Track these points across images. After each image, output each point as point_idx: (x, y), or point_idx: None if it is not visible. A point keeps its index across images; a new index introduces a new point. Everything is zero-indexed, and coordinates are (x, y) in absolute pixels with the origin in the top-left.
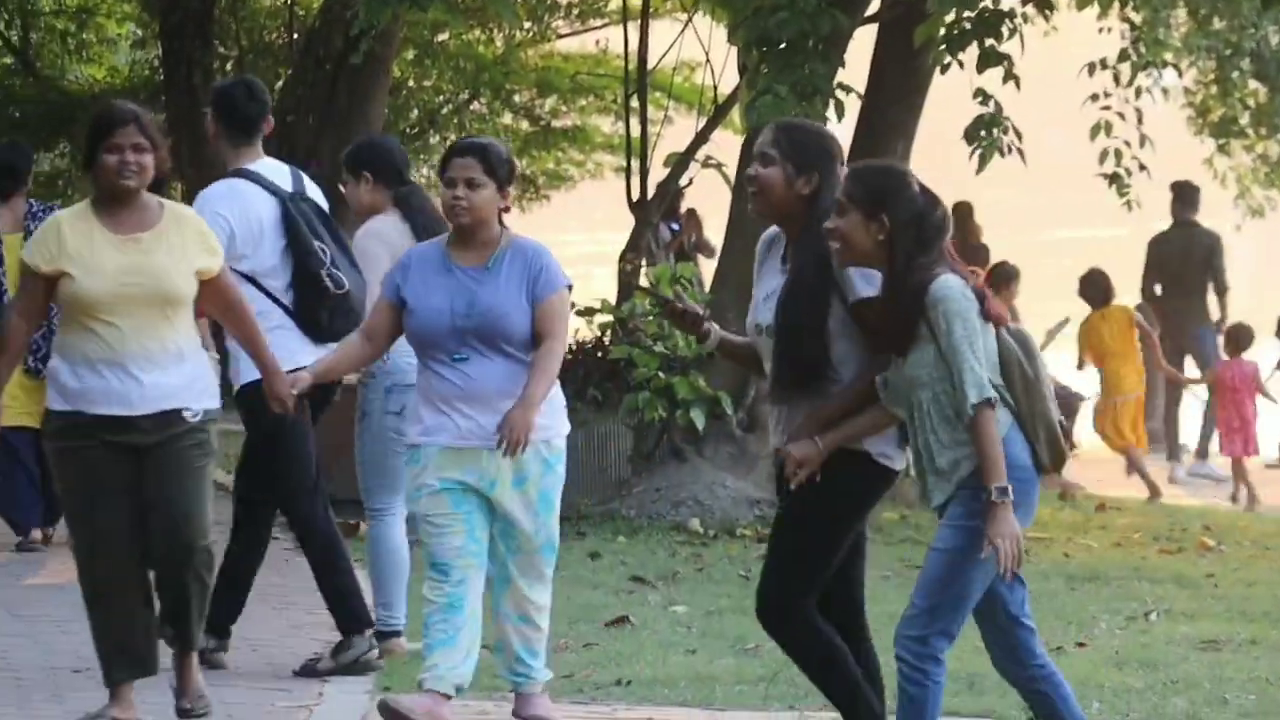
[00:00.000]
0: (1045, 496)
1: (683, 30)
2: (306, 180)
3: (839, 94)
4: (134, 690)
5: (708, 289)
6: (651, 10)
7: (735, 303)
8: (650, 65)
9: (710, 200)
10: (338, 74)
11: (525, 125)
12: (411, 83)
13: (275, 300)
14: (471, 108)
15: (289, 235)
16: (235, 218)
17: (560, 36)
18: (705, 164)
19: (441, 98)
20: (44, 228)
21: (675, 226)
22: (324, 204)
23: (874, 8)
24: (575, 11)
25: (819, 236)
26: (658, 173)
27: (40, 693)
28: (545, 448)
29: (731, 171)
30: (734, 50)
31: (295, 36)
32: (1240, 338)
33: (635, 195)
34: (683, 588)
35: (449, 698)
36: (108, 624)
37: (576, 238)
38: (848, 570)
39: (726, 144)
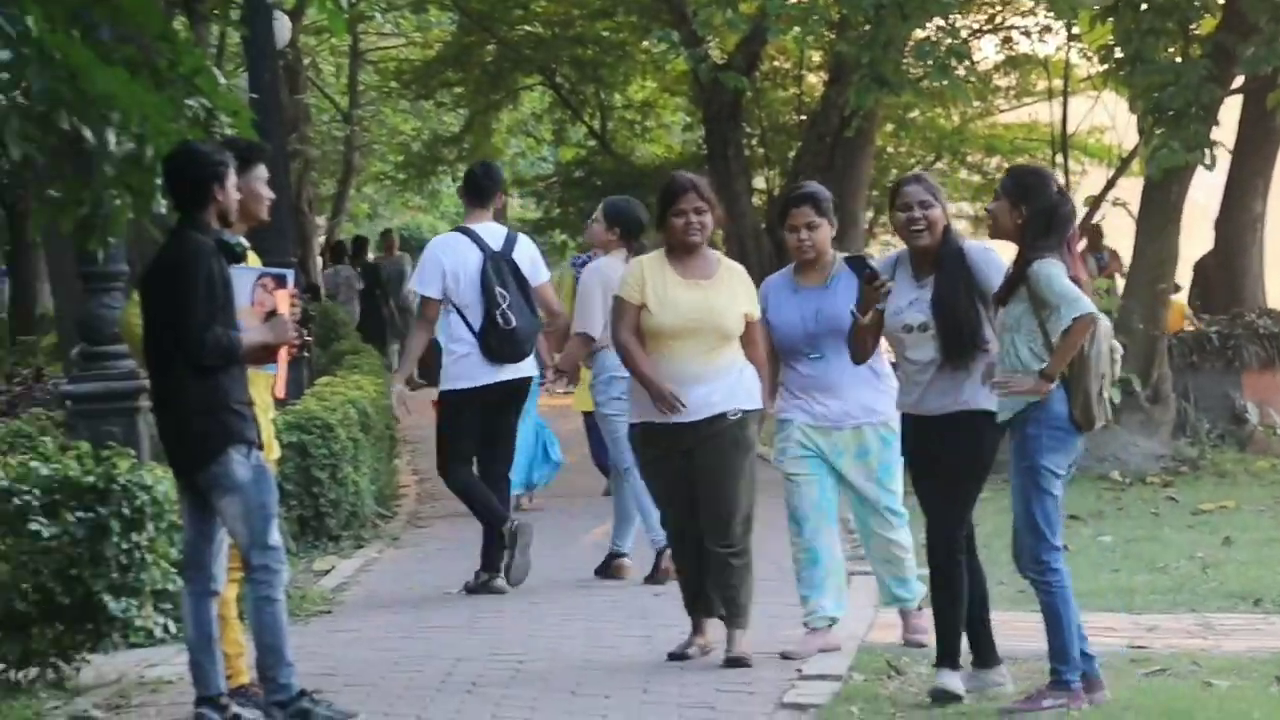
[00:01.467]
0: None
1: (1094, 103)
2: (518, 243)
3: (1214, 148)
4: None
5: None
6: (1070, 90)
7: (1139, 306)
8: (1070, 130)
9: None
10: (835, 145)
11: (976, 179)
12: (890, 149)
13: (470, 329)
14: (935, 167)
15: (482, 282)
16: (448, 261)
17: (1002, 111)
18: (1115, 203)
19: (913, 160)
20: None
21: (1101, 256)
22: (527, 261)
23: (1239, 82)
24: (1013, 92)
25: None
26: (1078, 212)
27: None
28: (884, 428)
29: (1134, 208)
30: (1134, 117)
31: (803, 118)
32: None
33: None
34: (1106, 522)
35: (829, 628)
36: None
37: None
38: None
39: (1131, 188)
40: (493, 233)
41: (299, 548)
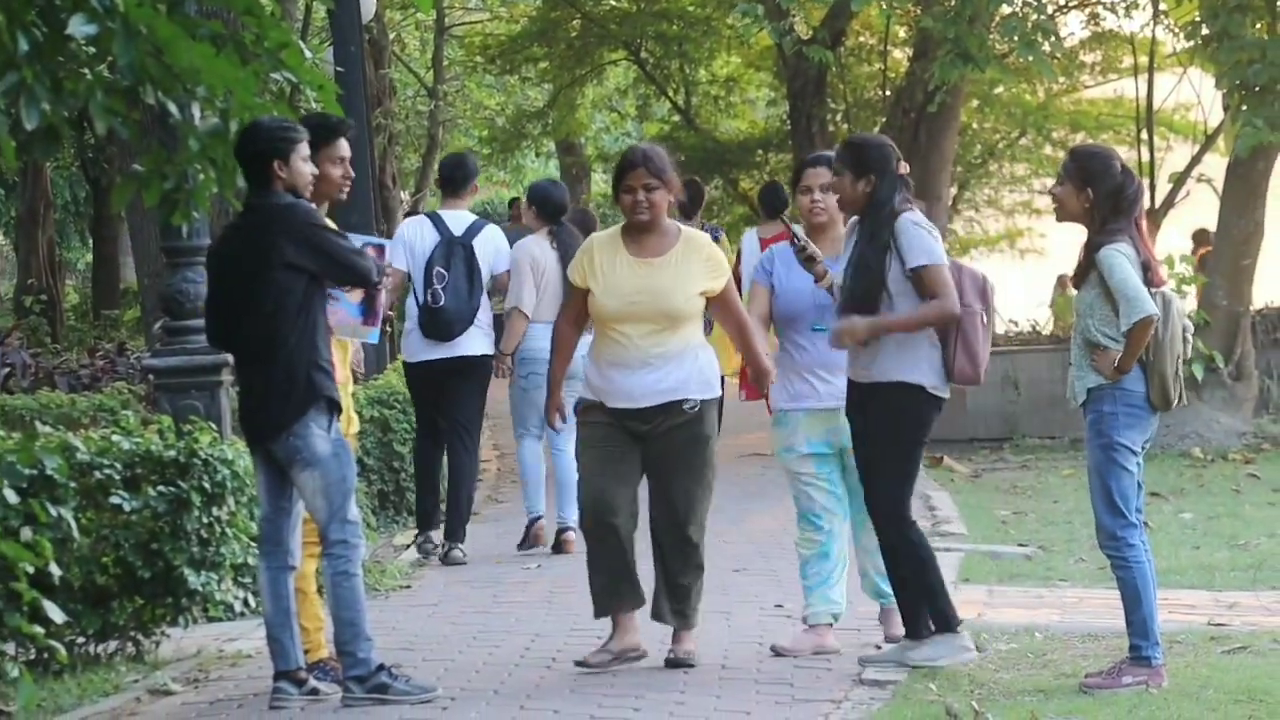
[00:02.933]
0: None
1: (1179, 80)
2: (481, 231)
3: None
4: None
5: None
6: (1156, 66)
7: (1224, 283)
8: (1156, 106)
9: (1202, 207)
10: (920, 120)
11: (1061, 155)
12: (974, 125)
13: (418, 304)
14: (1020, 143)
15: (427, 263)
16: (409, 239)
17: (1087, 88)
18: (1200, 179)
19: (998, 136)
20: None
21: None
22: (490, 250)
23: None
24: (1098, 68)
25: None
26: (1162, 188)
27: None
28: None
29: (1219, 185)
30: (1220, 94)
31: (888, 93)
32: None
33: (1147, 205)
34: (1187, 499)
35: (830, 626)
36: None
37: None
38: None
39: (1215, 165)
40: (458, 219)
41: (379, 522)
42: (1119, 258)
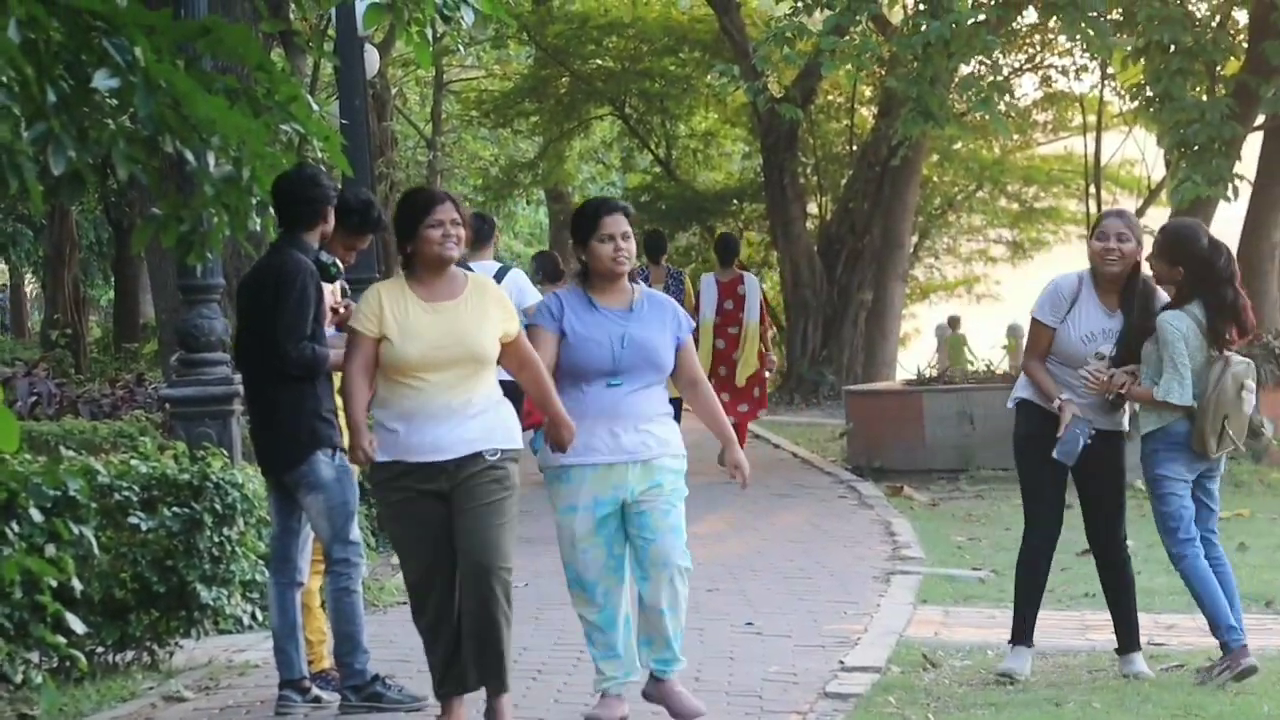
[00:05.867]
0: None
1: (1125, 138)
2: (508, 274)
3: (1236, 181)
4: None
5: None
6: (1104, 125)
7: None
8: (1103, 162)
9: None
10: (884, 173)
11: (1015, 206)
12: (935, 178)
13: None
14: (977, 195)
15: None
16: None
17: (1039, 144)
18: (1144, 231)
19: (956, 188)
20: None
21: None
22: (514, 289)
23: (1260, 120)
24: (1050, 126)
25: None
26: None
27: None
28: (674, 459)
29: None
30: (1162, 152)
31: (855, 148)
32: None
33: None
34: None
35: (621, 698)
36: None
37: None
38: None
39: (1158, 217)
40: (486, 267)
41: (378, 543)
42: (1170, 331)
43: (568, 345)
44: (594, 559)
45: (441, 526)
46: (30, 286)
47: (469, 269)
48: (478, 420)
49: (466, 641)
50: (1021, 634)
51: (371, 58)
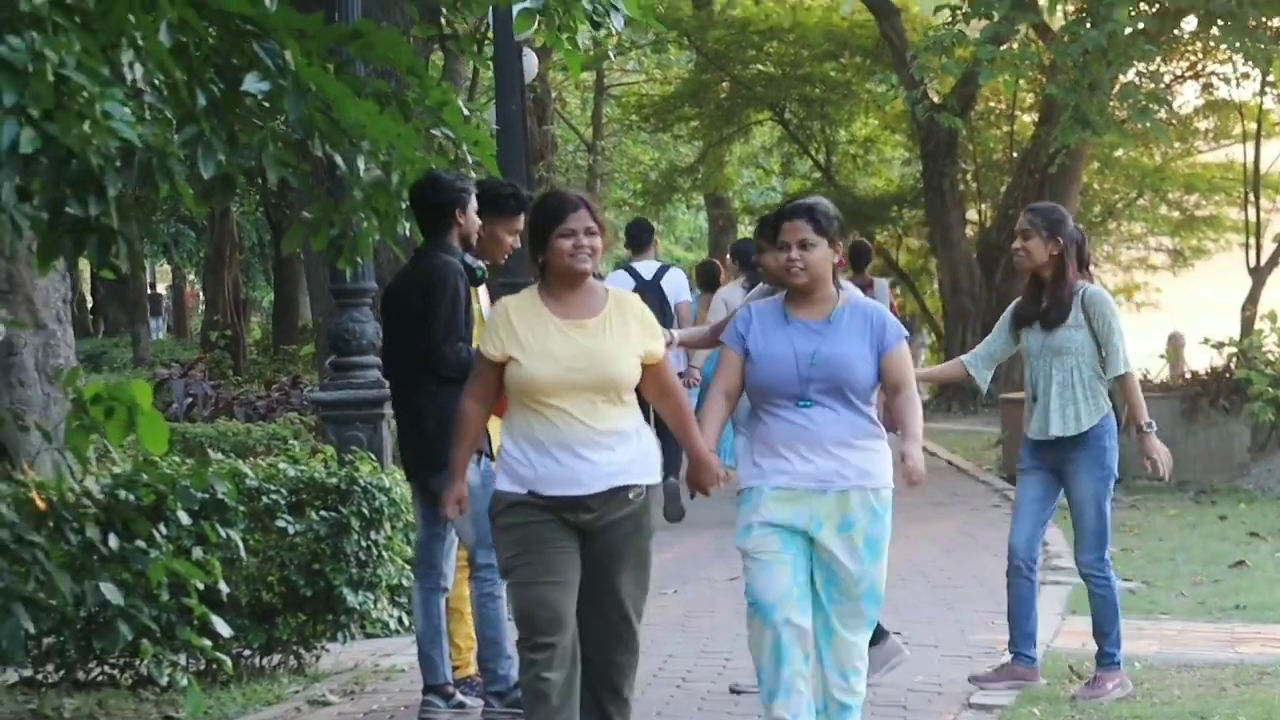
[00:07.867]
0: None
1: None
2: (667, 273)
3: None
4: None
5: None
6: (1264, 133)
7: None
8: (1264, 169)
9: None
10: (1043, 180)
11: (1176, 214)
12: (1095, 186)
13: None
14: (1138, 203)
15: None
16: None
17: (1200, 152)
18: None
19: (1116, 196)
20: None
21: None
22: (672, 287)
23: None
24: (1211, 134)
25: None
26: (1268, 247)
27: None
28: (875, 497)
29: None
30: None
31: (1014, 155)
32: None
33: (1253, 263)
34: None
35: None
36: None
37: (1209, 293)
38: None
39: None
40: (647, 267)
41: None
42: (1112, 303)
43: (751, 364)
44: (777, 574)
45: (573, 565)
46: (194, 286)
47: (632, 269)
48: (619, 453)
49: (585, 693)
50: None
51: (531, 62)
